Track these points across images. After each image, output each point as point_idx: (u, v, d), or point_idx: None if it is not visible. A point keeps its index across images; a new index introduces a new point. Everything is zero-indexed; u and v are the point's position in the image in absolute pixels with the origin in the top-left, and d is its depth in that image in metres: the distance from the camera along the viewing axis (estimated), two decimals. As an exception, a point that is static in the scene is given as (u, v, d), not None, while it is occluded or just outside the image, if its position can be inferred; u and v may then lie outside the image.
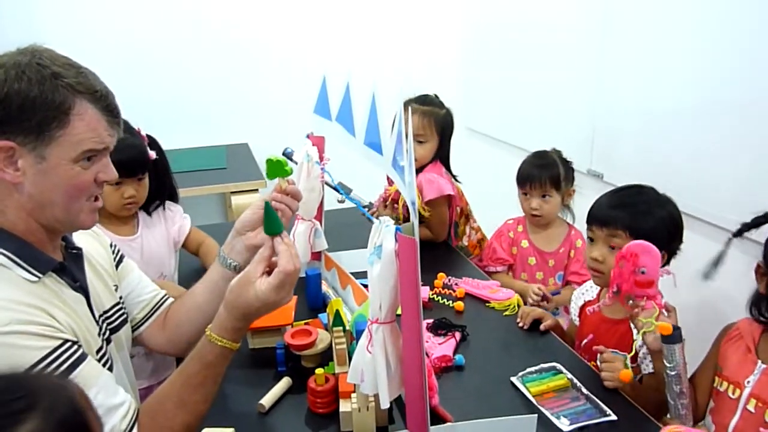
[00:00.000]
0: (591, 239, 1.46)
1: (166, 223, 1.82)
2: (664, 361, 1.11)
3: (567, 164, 1.87)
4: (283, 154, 1.64)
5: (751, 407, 1.17)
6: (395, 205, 1.96)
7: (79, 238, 1.12)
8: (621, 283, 1.16)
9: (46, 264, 0.97)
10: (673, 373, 1.10)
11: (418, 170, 1.98)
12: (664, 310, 1.15)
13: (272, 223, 1.05)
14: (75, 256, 1.08)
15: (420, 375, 0.96)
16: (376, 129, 1.19)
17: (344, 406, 1.12)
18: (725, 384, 1.23)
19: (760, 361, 1.18)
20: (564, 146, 1.97)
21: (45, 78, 0.90)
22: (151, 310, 1.28)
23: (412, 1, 3.48)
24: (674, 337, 1.10)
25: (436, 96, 2.03)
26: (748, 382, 1.18)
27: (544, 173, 1.82)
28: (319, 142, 1.59)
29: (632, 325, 1.24)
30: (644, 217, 1.38)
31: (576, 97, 2.45)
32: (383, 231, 0.95)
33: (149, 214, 1.76)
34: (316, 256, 1.69)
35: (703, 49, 1.80)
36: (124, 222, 1.69)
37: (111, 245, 1.25)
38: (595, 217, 1.45)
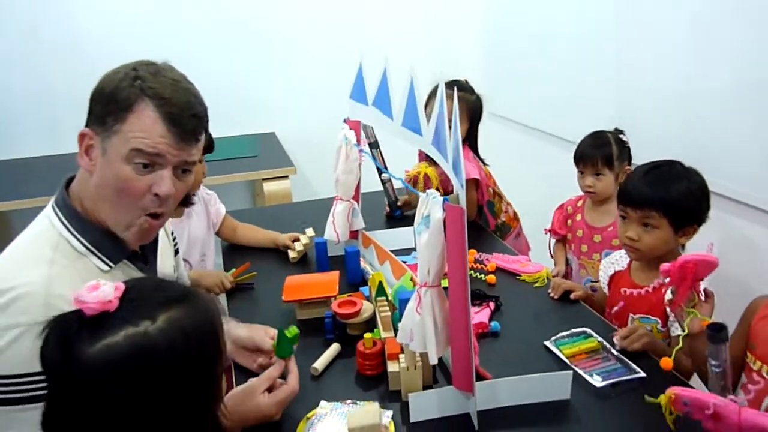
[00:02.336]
0: (624, 217, 1.49)
1: (206, 205, 1.94)
2: (709, 358, 1.11)
3: (622, 143, 1.91)
4: None
5: None
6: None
7: None
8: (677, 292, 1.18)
9: (120, 253, 1.03)
10: (718, 370, 1.10)
11: None
12: (702, 294, 1.17)
13: (284, 348, 1.15)
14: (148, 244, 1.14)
15: (466, 334, 1.05)
16: (415, 111, 1.28)
17: (392, 367, 1.21)
18: (759, 363, 1.22)
19: None
20: (587, 128, 2.02)
21: (126, 77, 0.96)
22: None
23: (432, -11, 3.55)
24: (720, 337, 1.09)
25: (466, 81, 2.12)
26: None
27: (597, 152, 1.87)
28: (355, 126, 1.67)
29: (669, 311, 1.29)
30: (677, 194, 1.42)
31: (599, 79, 2.50)
32: (430, 202, 1.04)
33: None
34: (354, 234, 1.78)
35: (724, 29, 1.84)
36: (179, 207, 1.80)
37: (171, 234, 1.33)
38: (628, 198, 1.48)
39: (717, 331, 1.09)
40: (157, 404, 0.67)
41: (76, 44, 3.12)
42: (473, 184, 2.06)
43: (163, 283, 0.78)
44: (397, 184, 2.15)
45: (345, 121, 1.69)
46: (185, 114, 0.98)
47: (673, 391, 1.05)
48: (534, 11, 2.95)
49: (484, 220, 2.15)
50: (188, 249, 1.82)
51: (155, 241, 1.16)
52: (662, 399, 1.06)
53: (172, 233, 1.34)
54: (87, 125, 0.99)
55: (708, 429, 0.99)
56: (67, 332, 0.68)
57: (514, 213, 2.27)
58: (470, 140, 2.11)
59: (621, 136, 1.93)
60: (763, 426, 0.93)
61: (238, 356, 1.29)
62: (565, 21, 2.69)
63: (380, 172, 1.97)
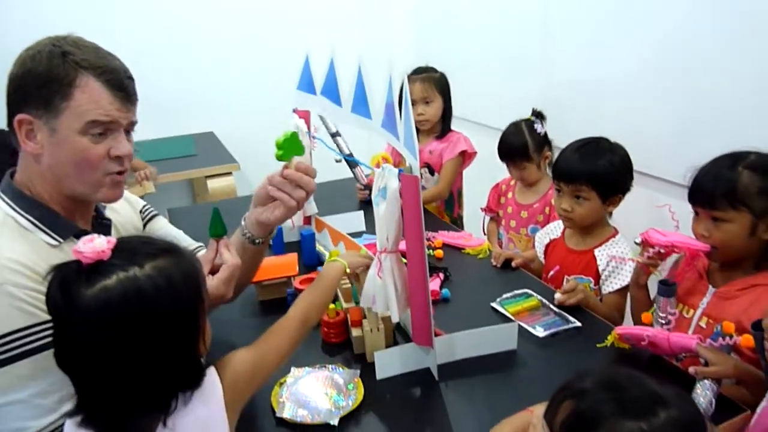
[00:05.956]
0: (559, 191, 1.65)
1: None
2: (657, 310, 1.28)
3: (535, 133, 2.03)
4: None
5: (702, 323, 1.32)
6: None
7: (116, 204, 1.22)
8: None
9: (67, 230, 1.06)
10: (663, 321, 1.28)
11: (433, 129, 2.36)
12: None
13: (216, 226, 1.15)
14: (103, 226, 1.18)
15: (424, 293, 1.16)
16: (364, 97, 1.37)
17: (356, 332, 1.30)
18: (680, 305, 1.37)
19: (710, 285, 1.34)
20: (513, 117, 2.19)
21: (54, 56, 0.99)
22: None
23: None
24: (669, 291, 1.27)
25: (427, 65, 2.33)
26: (702, 303, 1.34)
27: (515, 152, 2.02)
28: (305, 115, 1.75)
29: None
30: (603, 168, 1.59)
31: (526, 71, 2.69)
32: (387, 175, 1.14)
33: None
34: (307, 220, 1.87)
35: (638, 25, 2.06)
36: None
37: (142, 209, 1.36)
38: (561, 173, 1.64)
39: (667, 286, 1.27)
40: (145, 339, 0.76)
41: None
42: (462, 157, 2.31)
43: (150, 240, 0.87)
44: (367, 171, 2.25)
45: (294, 111, 1.77)
46: (123, 77, 1.04)
47: (617, 331, 1.25)
48: (464, 10, 3.12)
49: (450, 207, 2.30)
50: None
51: (108, 231, 1.18)
52: (610, 339, 1.26)
53: (143, 209, 1.36)
54: (19, 111, 1.00)
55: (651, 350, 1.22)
56: (66, 278, 0.76)
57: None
58: (449, 116, 2.33)
59: (536, 125, 2.05)
60: (686, 345, 1.15)
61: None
62: (494, 15, 2.87)
63: (347, 160, 2.06)
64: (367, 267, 1.24)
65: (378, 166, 2.09)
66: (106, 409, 0.77)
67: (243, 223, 1.28)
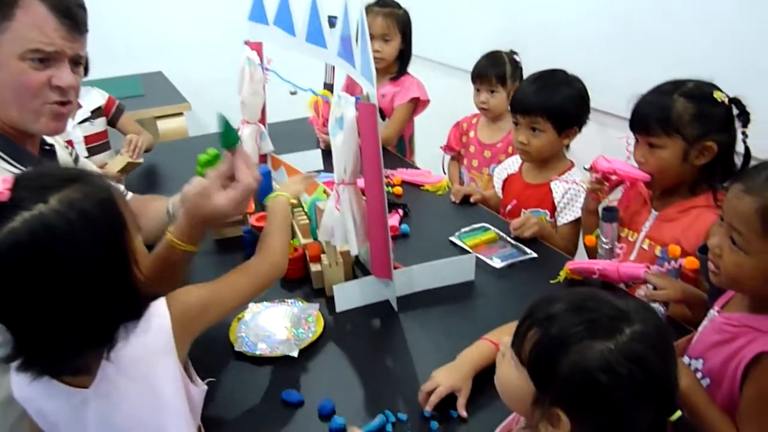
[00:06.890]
0: (516, 124, 1.65)
1: None
2: (601, 236, 1.33)
3: (515, 63, 2.00)
4: None
5: (645, 246, 1.37)
6: None
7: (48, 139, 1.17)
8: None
9: (28, 159, 1.02)
10: (606, 246, 1.33)
11: (387, 69, 2.24)
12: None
13: (228, 136, 0.99)
14: (49, 152, 1.14)
15: (383, 225, 1.15)
16: (319, 26, 1.32)
17: (315, 267, 1.29)
18: (626, 230, 1.43)
19: (653, 210, 1.38)
20: (475, 55, 2.15)
21: None
22: None
23: None
24: (611, 216, 1.31)
25: None
26: (645, 227, 1.38)
27: (492, 71, 1.97)
28: (257, 47, 1.68)
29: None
30: (558, 100, 1.58)
31: (489, 10, 2.64)
32: (343, 104, 1.10)
33: None
34: (263, 158, 1.81)
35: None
36: None
37: (70, 151, 1.32)
38: (518, 105, 1.63)
39: (609, 212, 1.32)
40: (68, 277, 0.71)
41: None
42: (413, 104, 2.22)
43: (51, 169, 0.81)
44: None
45: (246, 43, 1.69)
46: (71, 4, 0.99)
47: (568, 266, 1.29)
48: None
49: (402, 153, 2.26)
50: None
51: (54, 157, 1.15)
52: (563, 274, 1.30)
53: (67, 146, 1.32)
54: None
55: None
56: None
57: None
58: (406, 59, 2.23)
59: (515, 56, 2.04)
60: (635, 274, 1.21)
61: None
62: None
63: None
64: (310, 186, 1.21)
65: (316, 107, 2.08)
66: (43, 350, 0.73)
67: (170, 209, 1.24)
